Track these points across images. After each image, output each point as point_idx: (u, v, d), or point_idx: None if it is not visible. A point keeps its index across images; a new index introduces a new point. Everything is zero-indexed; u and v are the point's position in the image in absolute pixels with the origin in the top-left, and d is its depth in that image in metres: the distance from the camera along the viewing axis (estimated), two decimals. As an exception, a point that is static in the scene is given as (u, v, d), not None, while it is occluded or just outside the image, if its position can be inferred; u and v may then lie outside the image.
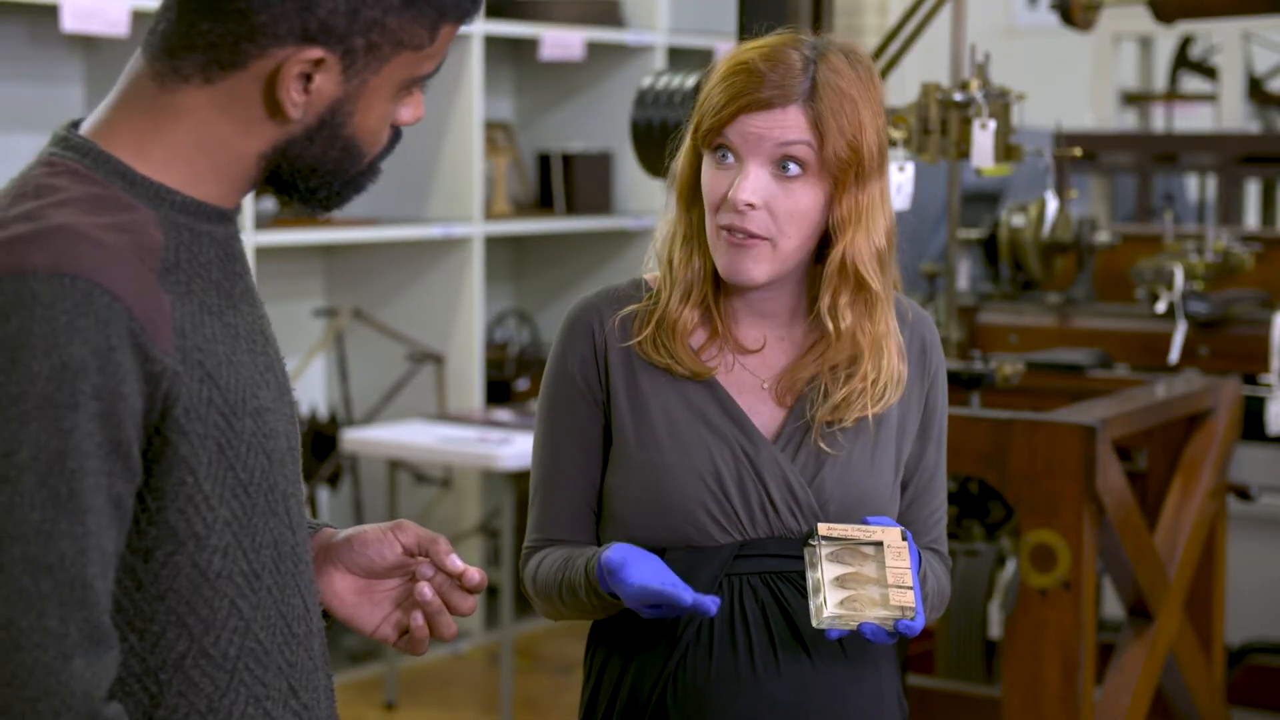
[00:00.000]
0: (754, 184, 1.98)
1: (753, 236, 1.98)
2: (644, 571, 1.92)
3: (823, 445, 2.03)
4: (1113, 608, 4.41)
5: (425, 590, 1.73)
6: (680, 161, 2.07)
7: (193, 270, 1.53)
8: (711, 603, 1.90)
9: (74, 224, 1.45)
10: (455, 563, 1.72)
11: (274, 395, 1.59)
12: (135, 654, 1.50)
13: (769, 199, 1.98)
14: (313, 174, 1.57)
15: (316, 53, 1.50)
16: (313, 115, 1.53)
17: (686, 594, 1.89)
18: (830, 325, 2.03)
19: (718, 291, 2.06)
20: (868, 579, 1.92)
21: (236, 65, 1.50)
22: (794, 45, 2.01)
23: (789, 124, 1.98)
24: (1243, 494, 3.89)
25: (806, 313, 2.08)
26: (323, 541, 1.75)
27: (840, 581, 1.92)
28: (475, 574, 1.73)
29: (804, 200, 1.99)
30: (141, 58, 1.55)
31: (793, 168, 1.98)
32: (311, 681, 1.61)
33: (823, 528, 1.94)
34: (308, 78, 1.51)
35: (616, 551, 1.94)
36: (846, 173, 1.99)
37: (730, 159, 2.00)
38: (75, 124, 1.56)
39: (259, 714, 1.55)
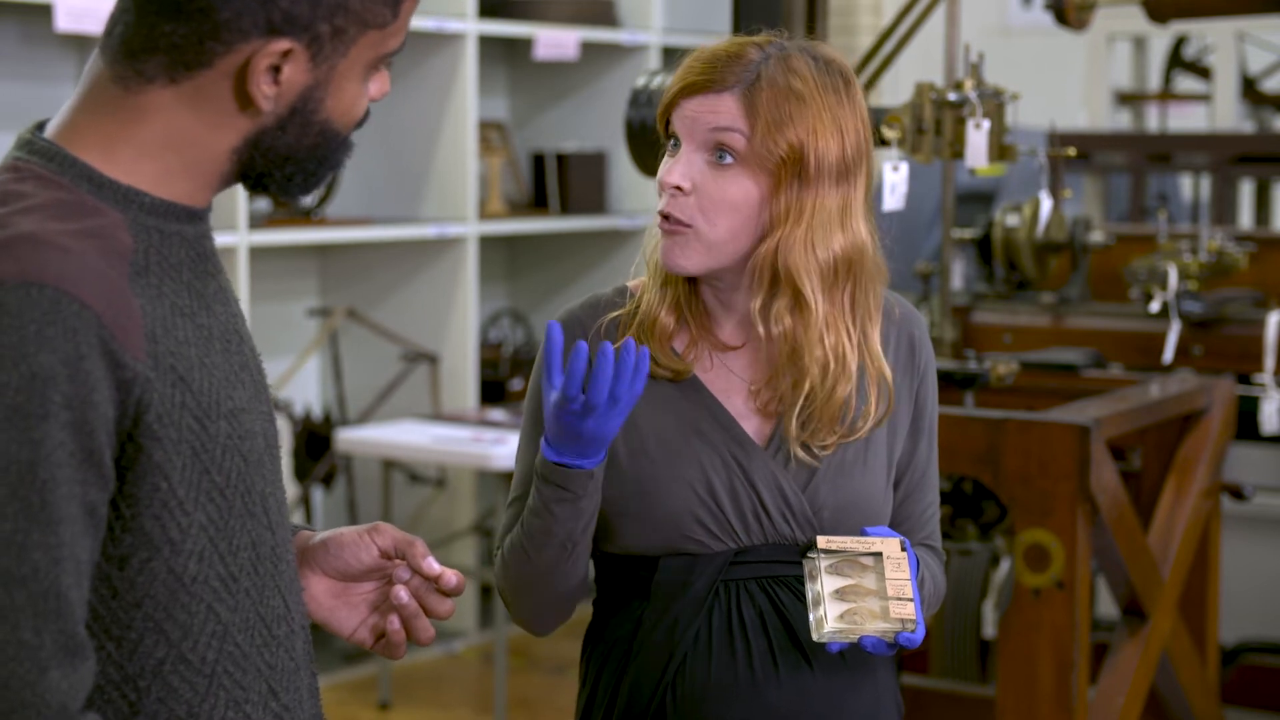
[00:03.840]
0: (685, 168, 1.97)
1: (679, 223, 1.97)
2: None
3: (812, 452, 2.02)
4: (1107, 607, 4.42)
5: (402, 594, 1.71)
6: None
7: (163, 272, 1.51)
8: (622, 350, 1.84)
9: (40, 231, 1.43)
10: (432, 566, 1.70)
11: (249, 395, 1.56)
12: (113, 662, 1.48)
13: (700, 185, 1.97)
14: (287, 162, 1.55)
15: (284, 44, 1.48)
16: (284, 105, 1.51)
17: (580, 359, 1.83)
18: (760, 327, 2.00)
19: (691, 290, 2.05)
20: (867, 591, 1.91)
21: (202, 64, 1.48)
22: (761, 43, 2.00)
23: (721, 109, 1.96)
24: (1236, 493, 3.89)
25: None
26: (299, 544, 1.73)
27: (840, 594, 1.91)
28: (452, 577, 1.71)
29: (733, 190, 1.96)
30: (100, 59, 1.52)
31: (726, 156, 1.96)
32: (293, 682, 1.60)
33: (821, 540, 1.93)
34: (276, 69, 1.49)
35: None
36: (784, 170, 1.95)
37: (677, 145, 2.00)
38: (40, 126, 1.54)
39: (238, 717, 1.54)
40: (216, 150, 1.52)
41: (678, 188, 1.97)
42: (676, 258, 1.98)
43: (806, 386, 1.99)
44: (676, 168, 1.98)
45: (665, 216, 1.98)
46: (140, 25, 1.49)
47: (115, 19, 1.52)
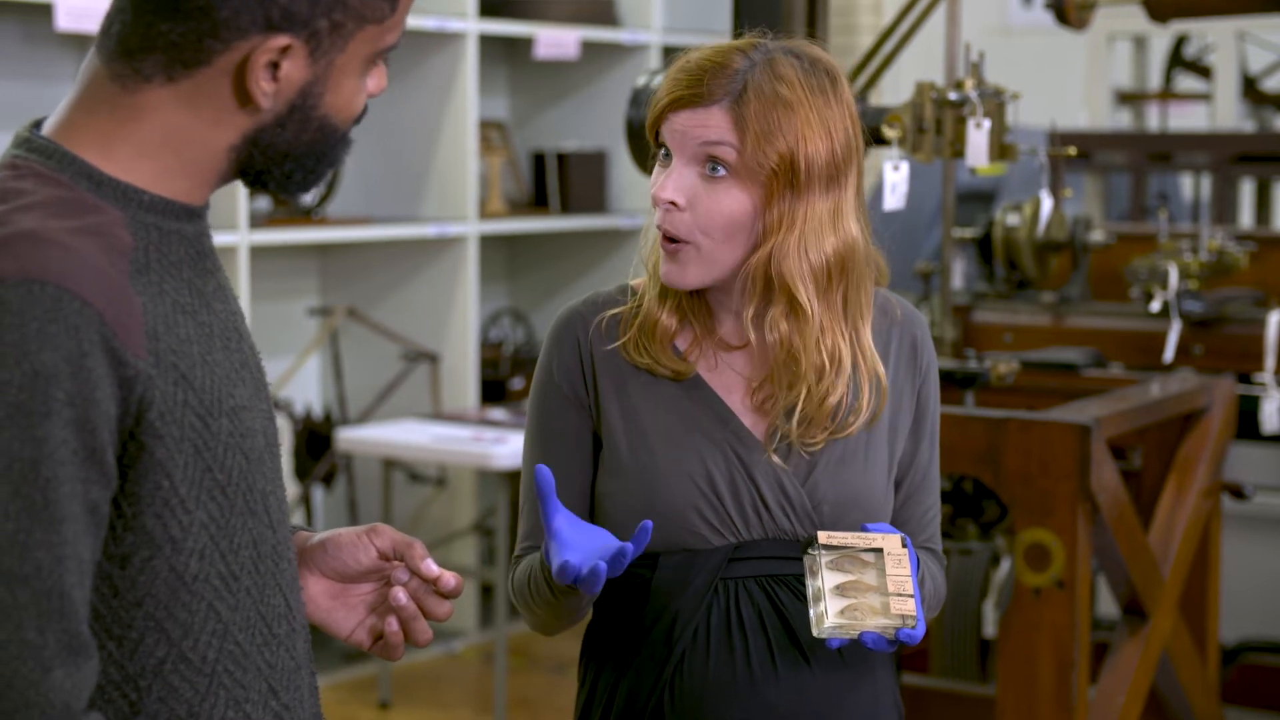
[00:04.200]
0: (677, 182, 1.97)
1: (677, 240, 1.97)
2: (579, 553, 1.85)
3: (800, 449, 2.02)
4: (1107, 607, 4.42)
5: (400, 595, 1.70)
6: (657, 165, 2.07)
7: (164, 270, 1.50)
8: (641, 533, 1.84)
9: (41, 229, 1.42)
10: (431, 567, 1.70)
11: (250, 393, 1.56)
12: (114, 661, 1.48)
13: (693, 198, 1.97)
14: (286, 159, 1.54)
15: (283, 40, 1.48)
16: (283, 102, 1.51)
17: (614, 563, 1.83)
18: (752, 335, 2.01)
19: (694, 290, 2.05)
20: (868, 587, 1.91)
21: (201, 63, 1.48)
22: (745, 48, 1.99)
23: (711, 123, 1.95)
24: (1237, 493, 3.89)
25: None
26: (298, 545, 1.72)
27: (841, 590, 1.91)
28: (451, 579, 1.70)
29: (727, 202, 1.96)
30: (97, 58, 1.52)
31: (718, 168, 1.96)
32: (293, 681, 1.60)
33: (822, 536, 1.92)
34: (275, 65, 1.48)
35: (555, 549, 1.86)
36: (776, 180, 1.95)
37: (669, 156, 1.99)
38: (38, 124, 1.54)
39: (239, 716, 1.53)
40: (215, 148, 1.52)
41: (672, 203, 1.97)
42: (675, 275, 1.99)
43: (802, 390, 1.99)
44: (669, 182, 1.97)
45: (663, 235, 1.99)
46: (137, 24, 1.48)
47: (111, 17, 1.51)
